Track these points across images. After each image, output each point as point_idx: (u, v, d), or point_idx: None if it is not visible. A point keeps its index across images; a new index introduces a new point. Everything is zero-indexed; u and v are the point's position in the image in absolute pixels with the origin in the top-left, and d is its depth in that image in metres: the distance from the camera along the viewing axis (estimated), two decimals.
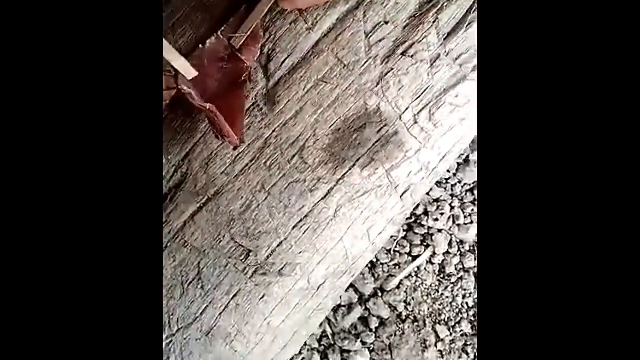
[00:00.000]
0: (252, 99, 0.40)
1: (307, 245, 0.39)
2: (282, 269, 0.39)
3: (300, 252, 0.39)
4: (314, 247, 0.39)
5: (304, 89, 0.39)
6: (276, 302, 0.39)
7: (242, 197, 0.39)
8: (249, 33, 0.39)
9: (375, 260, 0.78)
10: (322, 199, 0.38)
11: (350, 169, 0.38)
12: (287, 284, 0.39)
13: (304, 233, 0.39)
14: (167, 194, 0.40)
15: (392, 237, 0.78)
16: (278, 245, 0.38)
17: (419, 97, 0.38)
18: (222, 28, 0.39)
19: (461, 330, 0.77)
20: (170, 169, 0.40)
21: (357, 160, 0.38)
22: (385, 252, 0.78)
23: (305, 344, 0.77)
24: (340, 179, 0.38)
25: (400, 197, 0.40)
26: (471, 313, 0.78)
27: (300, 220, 0.39)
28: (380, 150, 0.38)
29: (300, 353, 0.77)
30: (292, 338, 0.42)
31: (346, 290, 0.78)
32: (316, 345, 0.78)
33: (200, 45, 0.39)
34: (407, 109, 0.38)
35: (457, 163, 0.78)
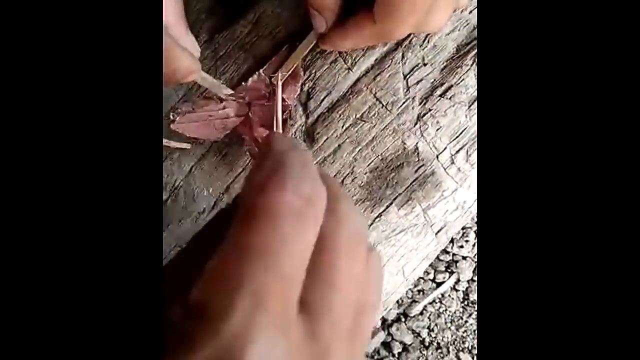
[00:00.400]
0: (292, 135, 0.41)
1: None
2: None
3: None
4: None
5: (342, 127, 0.40)
6: None
7: None
8: (289, 72, 0.40)
9: None
10: None
11: (387, 207, 0.39)
12: None
13: None
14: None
15: None
16: None
17: (456, 138, 0.39)
18: (264, 67, 0.41)
19: None
20: (210, 201, 0.41)
21: (395, 198, 0.39)
22: None
23: None
24: (377, 217, 0.39)
25: (435, 234, 0.40)
26: None
27: None
28: (417, 190, 0.39)
29: None
30: None
31: None
32: None
33: (243, 83, 0.41)
34: (444, 149, 0.39)
35: None
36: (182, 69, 0.30)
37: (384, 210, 0.39)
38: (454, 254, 0.78)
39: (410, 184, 0.39)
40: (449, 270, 0.78)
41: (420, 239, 0.40)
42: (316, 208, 0.19)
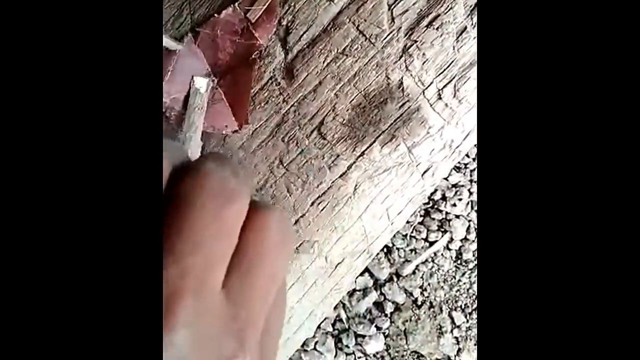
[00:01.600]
0: (270, 72, 0.39)
1: (325, 222, 0.38)
2: (299, 246, 0.38)
3: (317, 230, 0.38)
4: (332, 225, 0.38)
5: (323, 63, 0.38)
6: (293, 280, 0.39)
7: (260, 172, 0.38)
8: (264, 7, 0.38)
9: (391, 245, 0.77)
10: (341, 175, 0.38)
11: (370, 146, 0.37)
12: (304, 261, 0.38)
13: (322, 210, 0.38)
14: None
15: (408, 222, 0.77)
16: (296, 222, 0.38)
17: (443, 71, 0.37)
18: (240, 0, 0.38)
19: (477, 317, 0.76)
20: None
21: (378, 136, 0.37)
22: (402, 237, 0.77)
23: (319, 327, 0.77)
24: (359, 155, 0.37)
25: (422, 175, 0.39)
26: None
27: (319, 197, 0.38)
28: (401, 127, 0.37)
29: (314, 337, 0.77)
30: (308, 318, 0.41)
31: (361, 275, 0.77)
32: (330, 330, 0.78)
33: (216, 15, 0.39)
34: (430, 83, 0.37)
35: (476, 147, 0.76)
36: None
37: (366, 149, 0.37)
38: (447, 213, 0.76)
39: (395, 120, 0.37)
40: (442, 229, 0.77)
41: (406, 179, 0.38)
42: (237, 200, 0.21)
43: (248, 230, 0.22)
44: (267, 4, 0.38)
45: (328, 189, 0.38)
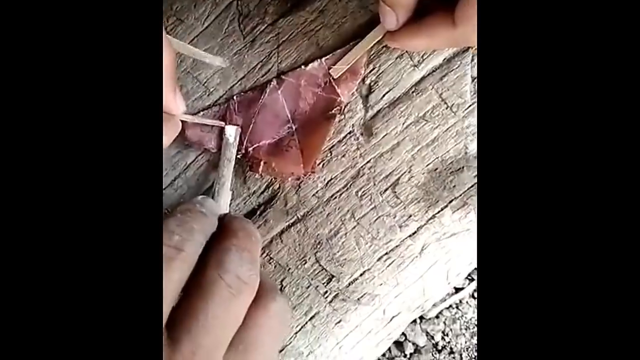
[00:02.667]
0: (350, 127, 0.40)
1: (388, 278, 0.39)
2: (361, 297, 0.39)
3: (381, 284, 0.39)
4: (395, 281, 0.39)
5: (403, 124, 0.40)
6: (350, 329, 0.40)
7: (331, 223, 0.40)
8: (348, 66, 0.39)
9: None
10: (410, 235, 0.39)
11: (442, 210, 0.39)
12: (364, 312, 0.40)
13: (387, 266, 0.39)
14: (256, 209, 0.41)
15: None
16: (361, 275, 0.39)
17: None
18: (327, 57, 0.40)
19: None
20: (262, 184, 0.41)
21: (450, 202, 0.39)
22: None
23: None
24: (430, 218, 0.39)
25: None
26: None
27: (386, 254, 0.39)
28: (474, 195, 0.39)
29: None
30: None
31: None
32: None
33: (302, 66, 0.41)
34: None
35: None
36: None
37: (438, 212, 0.39)
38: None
39: (468, 188, 0.39)
40: (469, 277, 0.78)
41: (470, 244, 0.40)
42: (248, 291, 0.26)
43: (253, 311, 0.27)
44: (352, 64, 0.40)
45: (396, 246, 0.39)
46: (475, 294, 0.79)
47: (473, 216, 0.39)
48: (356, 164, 0.40)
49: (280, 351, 0.40)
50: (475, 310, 0.79)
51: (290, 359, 0.40)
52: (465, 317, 0.79)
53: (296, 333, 0.39)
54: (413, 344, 0.79)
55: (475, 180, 0.39)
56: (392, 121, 0.40)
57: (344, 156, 0.40)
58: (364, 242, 0.39)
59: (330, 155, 0.40)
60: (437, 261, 0.39)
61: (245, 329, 0.26)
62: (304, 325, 0.39)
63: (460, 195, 0.39)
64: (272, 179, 0.41)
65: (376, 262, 0.39)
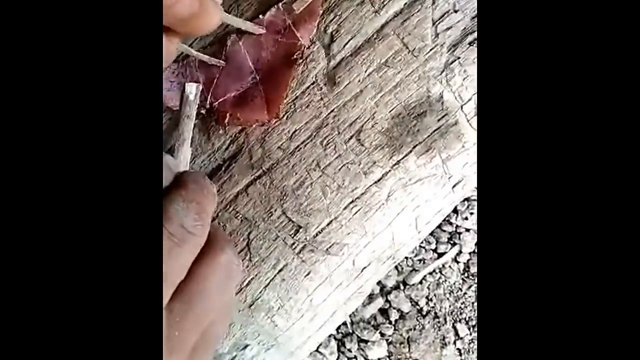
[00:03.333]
0: (312, 78, 0.40)
1: (356, 226, 0.39)
2: (329, 247, 0.39)
3: (349, 233, 0.39)
4: (362, 229, 0.39)
5: (365, 72, 0.39)
6: (320, 281, 0.40)
7: (296, 174, 0.39)
8: (306, 5, 0.39)
9: None
10: (376, 182, 0.39)
11: (406, 155, 0.38)
12: (333, 263, 0.39)
13: (354, 214, 0.39)
14: (221, 164, 0.40)
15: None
16: (328, 224, 0.39)
17: None
18: (284, 0, 0.40)
19: None
20: (226, 140, 0.40)
21: (415, 147, 0.38)
22: None
23: None
24: (395, 164, 0.39)
25: (452, 188, 0.40)
26: None
27: (352, 202, 0.39)
28: (438, 139, 0.38)
29: None
30: (330, 318, 0.42)
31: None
32: (334, 333, 0.79)
33: (261, 16, 0.40)
34: (469, 99, 0.38)
35: None
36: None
37: (402, 158, 0.38)
38: (457, 226, 0.77)
39: (432, 133, 0.38)
40: (452, 242, 0.78)
41: (437, 191, 0.39)
42: (193, 242, 0.26)
43: (199, 262, 0.27)
44: (309, 4, 0.39)
45: (362, 194, 0.39)
46: (458, 258, 0.79)
47: (438, 161, 0.39)
48: (320, 114, 0.39)
49: (250, 306, 0.39)
50: (459, 274, 0.79)
51: (261, 313, 0.39)
52: (449, 282, 0.80)
53: (265, 287, 0.39)
54: (398, 310, 0.79)
55: (439, 124, 0.38)
56: (354, 69, 0.39)
57: (307, 107, 0.40)
58: (329, 191, 0.39)
59: (294, 106, 0.40)
60: (404, 208, 0.39)
61: (190, 279, 0.26)
62: (273, 278, 0.39)
63: (424, 139, 0.38)
64: (236, 134, 0.40)
65: (343, 211, 0.39)
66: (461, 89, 0.38)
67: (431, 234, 0.79)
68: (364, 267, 0.41)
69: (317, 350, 0.79)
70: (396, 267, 0.79)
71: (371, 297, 0.79)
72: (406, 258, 0.79)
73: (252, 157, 0.40)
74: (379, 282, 0.79)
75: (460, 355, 0.77)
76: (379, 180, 0.39)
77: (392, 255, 0.41)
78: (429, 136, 0.38)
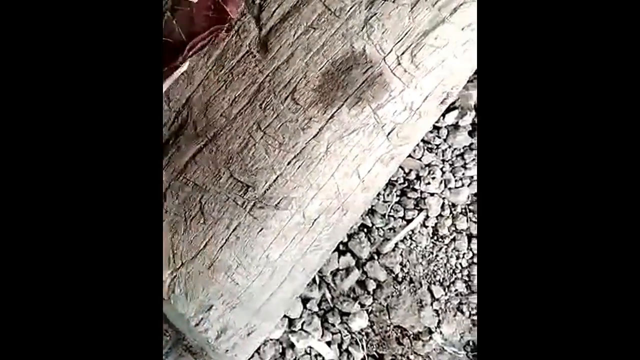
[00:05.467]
0: (246, 47, 0.42)
1: (301, 180, 0.41)
2: (278, 202, 0.41)
3: (295, 187, 0.41)
4: (307, 182, 0.42)
5: (294, 36, 0.42)
6: (274, 236, 0.42)
7: (240, 137, 0.41)
8: None
9: (370, 224, 0.81)
10: (314, 136, 0.41)
11: (339, 108, 0.41)
12: (284, 217, 0.42)
13: (297, 168, 0.41)
14: (168, 139, 0.43)
15: (386, 202, 0.81)
16: (274, 181, 0.41)
17: (401, 39, 0.41)
18: None
19: (456, 290, 0.80)
20: (171, 115, 0.43)
21: (346, 100, 0.41)
22: (380, 216, 0.81)
23: (305, 307, 0.80)
24: (330, 118, 0.41)
25: (387, 136, 0.43)
26: (465, 273, 0.81)
27: (294, 157, 0.41)
28: (366, 90, 0.41)
29: (300, 317, 0.80)
30: (290, 273, 0.44)
31: (343, 255, 0.81)
32: (316, 309, 0.81)
33: None
34: (390, 50, 0.41)
35: (447, 129, 0.81)
36: None
37: (336, 111, 0.41)
38: (422, 192, 0.81)
39: (360, 85, 0.41)
40: (418, 208, 0.81)
41: (372, 139, 0.42)
42: None
43: None
44: None
45: (302, 149, 0.41)
46: (426, 223, 0.82)
47: (369, 111, 0.41)
48: (257, 80, 0.42)
49: (209, 267, 0.41)
50: (428, 239, 0.82)
51: (221, 273, 0.41)
52: (420, 247, 0.83)
53: (222, 247, 0.41)
54: (374, 280, 0.82)
55: (365, 76, 0.41)
56: (284, 34, 0.42)
57: (244, 74, 0.42)
58: (272, 150, 0.41)
59: (232, 75, 0.42)
60: (344, 159, 0.42)
61: None
62: (228, 238, 0.41)
63: (354, 92, 0.41)
64: (180, 109, 0.43)
65: (287, 167, 0.41)
66: (381, 42, 0.41)
67: (398, 202, 0.82)
68: (315, 219, 0.43)
69: (302, 329, 0.81)
70: (368, 238, 0.82)
71: (348, 271, 0.81)
72: (377, 228, 0.82)
73: (197, 127, 0.42)
74: (353, 255, 0.81)
75: (438, 315, 0.80)
76: (316, 135, 0.41)
77: (340, 206, 0.44)
78: (357, 88, 0.41)
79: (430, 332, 0.81)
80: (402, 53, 0.41)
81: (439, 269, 0.82)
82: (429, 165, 0.81)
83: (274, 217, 0.41)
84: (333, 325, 0.80)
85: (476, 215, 0.81)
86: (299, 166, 0.41)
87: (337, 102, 0.41)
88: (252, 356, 0.79)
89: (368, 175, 0.44)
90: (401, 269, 0.81)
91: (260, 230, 0.41)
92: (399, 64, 0.41)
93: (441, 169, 0.81)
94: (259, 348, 0.79)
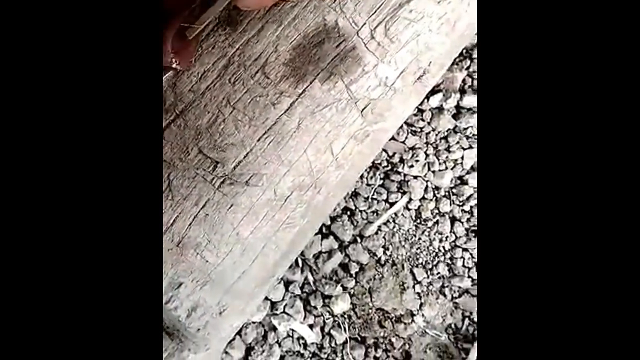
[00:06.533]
0: (215, 19, 0.41)
1: (272, 156, 0.41)
2: (248, 179, 0.41)
3: (265, 163, 0.41)
4: (278, 158, 0.41)
5: (264, 8, 0.41)
6: (244, 213, 0.41)
7: (209, 112, 0.41)
8: (203, 26, 0.39)
9: (353, 207, 0.80)
10: (285, 111, 0.40)
11: (310, 83, 0.40)
12: (254, 193, 0.41)
13: (268, 144, 0.41)
14: None
15: (369, 185, 0.81)
16: (244, 157, 0.40)
17: (375, 12, 0.40)
18: None
19: (438, 273, 0.80)
20: None
21: (317, 74, 0.40)
22: (363, 199, 0.80)
23: (288, 290, 0.80)
24: (301, 92, 0.40)
25: (361, 112, 0.42)
26: (447, 256, 0.81)
27: (265, 133, 0.40)
28: (339, 65, 0.40)
29: (282, 299, 0.80)
30: (261, 251, 0.44)
31: (326, 238, 0.80)
32: (298, 292, 0.81)
33: None
34: (364, 24, 0.40)
35: (431, 112, 0.80)
36: None
37: (307, 86, 0.40)
38: (405, 174, 0.80)
39: (332, 59, 0.40)
40: (401, 191, 0.81)
41: (345, 115, 0.41)
42: None
43: None
44: (206, 24, 0.40)
45: (273, 124, 0.40)
46: (409, 206, 0.82)
47: (341, 86, 0.41)
48: (226, 54, 0.41)
49: (178, 244, 0.41)
50: (411, 222, 0.82)
51: (190, 250, 0.41)
52: (403, 229, 0.82)
53: (190, 224, 0.41)
54: (357, 262, 0.82)
55: (337, 50, 0.40)
56: None
57: (213, 48, 0.41)
58: (242, 125, 0.40)
59: (201, 49, 0.41)
60: (316, 134, 0.41)
61: None
62: (197, 214, 0.40)
63: (326, 66, 0.40)
64: None
65: (257, 142, 0.40)
66: (354, 14, 0.40)
67: (381, 185, 0.82)
68: (287, 197, 0.42)
69: (284, 312, 0.81)
70: (351, 221, 0.81)
71: (330, 253, 0.81)
72: (360, 211, 0.82)
73: (165, 102, 0.41)
74: (336, 238, 0.81)
75: (420, 298, 0.80)
76: (287, 110, 0.40)
77: (313, 183, 0.43)
78: (329, 62, 0.40)
79: (412, 314, 0.81)
80: (376, 26, 0.40)
81: (421, 252, 0.82)
82: (412, 148, 0.80)
83: (244, 193, 0.41)
84: (315, 308, 0.81)
85: (459, 199, 0.81)
86: (270, 142, 0.40)
87: (308, 77, 0.40)
88: (234, 339, 0.79)
89: (342, 153, 0.43)
90: (384, 252, 0.81)
91: (230, 207, 0.41)
92: (373, 37, 0.40)
93: (425, 152, 0.80)
94: (240, 331, 0.79)
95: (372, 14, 0.40)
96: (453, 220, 0.81)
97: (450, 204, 0.81)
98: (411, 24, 0.40)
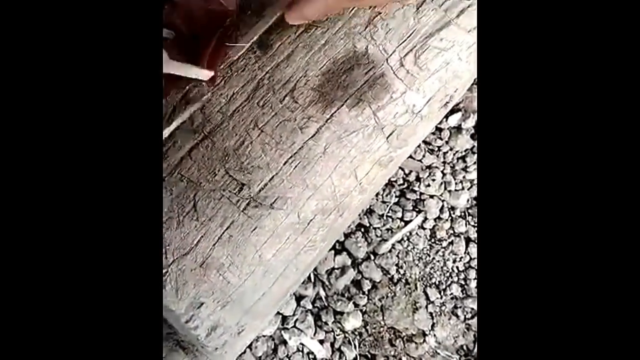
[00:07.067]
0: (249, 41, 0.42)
1: (297, 180, 0.41)
2: (273, 202, 0.41)
3: (290, 187, 0.41)
4: (303, 182, 0.41)
5: (295, 33, 0.41)
6: (267, 235, 0.41)
7: (236, 134, 0.41)
8: (249, 44, 0.40)
9: (368, 224, 0.80)
10: (312, 136, 0.41)
11: (338, 109, 0.40)
12: (278, 217, 0.41)
13: (294, 168, 0.41)
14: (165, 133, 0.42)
15: (384, 202, 0.81)
16: (270, 180, 0.41)
17: (405, 40, 0.40)
18: None
19: (451, 293, 0.80)
20: (168, 109, 0.42)
21: (346, 100, 0.40)
22: (378, 217, 0.80)
23: (299, 304, 0.79)
24: (329, 118, 0.40)
25: (387, 138, 0.42)
26: (461, 277, 0.80)
27: (291, 157, 0.41)
28: (367, 91, 0.40)
29: (294, 314, 0.79)
30: (283, 273, 0.44)
31: (339, 254, 0.80)
32: (310, 307, 0.80)
33: None
34: (393, 52, 0.40)
35: (449, 131, 0.80)
36: None
37: (335, 112, 0.40)
38: (421, 193, 0.80)
39: (361, 85, 0.40)
40: (417, 209, 0.80)
41: (371, 141, 0.41)
42: None
43: None
44: (253, 40, 0.40)
45: (300, 149, 0.41)
46: (424, 225, 0.82)
47: (369, 112, 0.41)
48: (256, 77, 0.41)
49: (201, 265, 0.41)
50: (426, 241, 0.81)
51: (213, 271, 0.41)
52: (417, 248, 0.82)
53: (214, 245, 0.41)
54: (370, 280, 0.82)
55: (366, 77, 0.40)
56: (285, 31, 0.41)
57: (243, 70, 0.41)
58: (269, 148, 0.41)
59: (231, 71, 0.42)
60: (342, 160, 0.41)
61: None
62: (221, 236, 0.41)
63: (354, 92, 0.40)
64: (176, 102, 0.42)
65: (283, 166, 0.41)
66: (385, 42, 0.40)
67: (396, 203, 0.81)
68: (310, 220, 0.42)
69: (294, 326, 0.81)
70: (365, 238, 0.81)
71: (343, 270, 0.81)
72: (374, 228, 0.82)
73: (194, 122, 0.41)
74: (350, 254, 0.81)
75: (432, 318, 0.80)
76: (314, 135, 0.41)
77: (336, 207, 0.43)
78: (358, 89, 0.40)
79: (424, 334, 0.80)
80: (406, 54, 0.40)
81: (435, 271, 0.81)
82: (429, 167, 0.80)
83: (268, 216, 0.41)
84: (326, 323, 0.80)
85: (475, 220, 0.81)
86: (296, 166, 0.41)
87: (337, 102, 0.40)
88: (244, 352, 0.79)
89: (366, 178, 0.43)
90: (397, 270, 0.81)
91: (254, 229, 0.41)
92: (402, 65, 0.40)
93: (442, 171, 0.80)
94: (250, 344, 0.79)
95: (402, 42, 0.40)
96: (468, 241, 0.81)
97: (466, 225, 0.80)
98: (441, 52, 0.41)
